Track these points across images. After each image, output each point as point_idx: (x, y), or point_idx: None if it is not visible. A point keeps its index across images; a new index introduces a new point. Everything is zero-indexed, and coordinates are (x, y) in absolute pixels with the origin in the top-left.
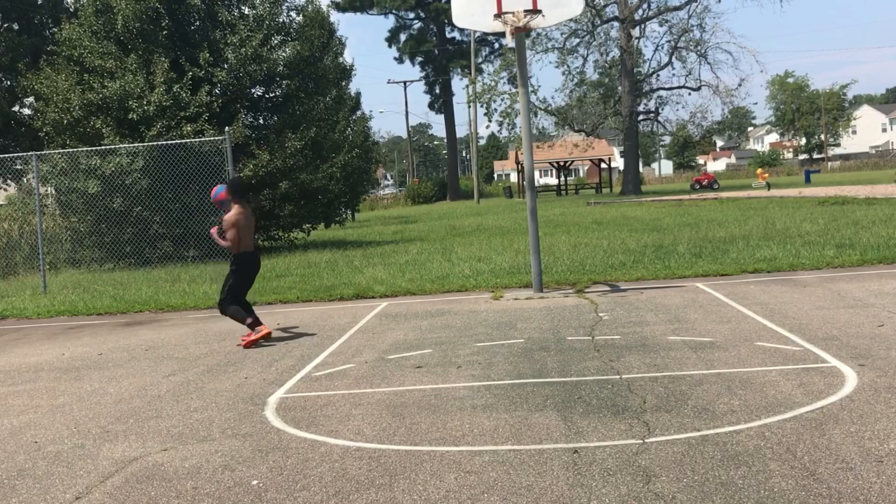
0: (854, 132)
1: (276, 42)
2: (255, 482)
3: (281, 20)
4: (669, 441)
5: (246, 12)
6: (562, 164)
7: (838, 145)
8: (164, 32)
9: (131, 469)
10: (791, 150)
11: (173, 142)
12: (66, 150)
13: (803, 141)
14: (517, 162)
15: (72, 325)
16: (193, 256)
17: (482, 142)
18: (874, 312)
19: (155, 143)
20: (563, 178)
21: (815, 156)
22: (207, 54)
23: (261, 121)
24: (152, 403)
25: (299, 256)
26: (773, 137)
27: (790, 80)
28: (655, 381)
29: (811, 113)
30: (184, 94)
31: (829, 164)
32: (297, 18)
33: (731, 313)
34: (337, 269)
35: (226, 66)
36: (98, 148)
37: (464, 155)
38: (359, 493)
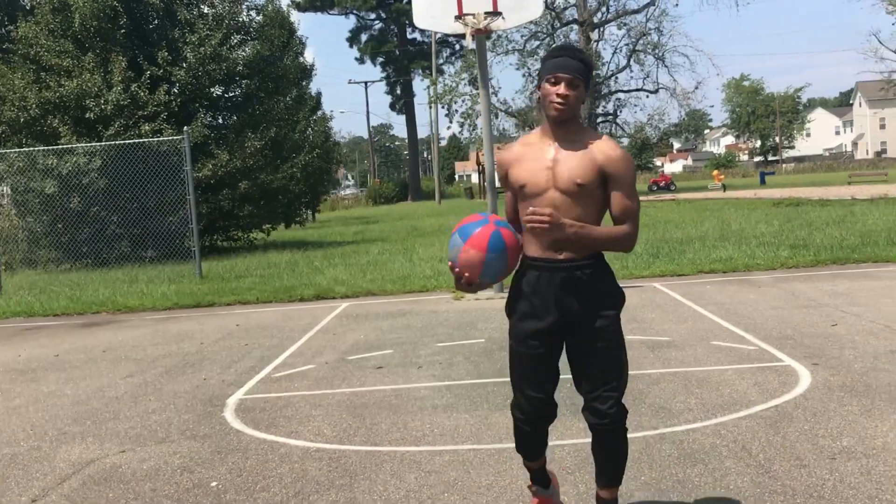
0: (808, 135)
1: (235, 41)
2: (214, 484)
3: (240, 19)
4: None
5: (205, 11)
6: None
7: (793, 147)
8: (122, 31)
9: (88, 471)
10: (746, 152)
11: (131, 141)
12: (22, 150)
13: (758, 143)
14: (478, 163)
15: (28, 327)
16: (151, 257)
17: (443, 143)
18: (827, 312)
19: (113, 143)
20: None
21: (770, 158)
22: (166, 53)
23: (220, 120)
24: (110, 405)
25: (259, 257)
26: (729, 140)
27: (746, 83)
28: None
29: (766, 116)
30: (142, 94)
31: (784, 166)
32: (257, 18)
33: (687, 313)
34: (297, 270)
35: (184, 65)
36: (55, 147)
37: (425, 156)
38: (318, 493)
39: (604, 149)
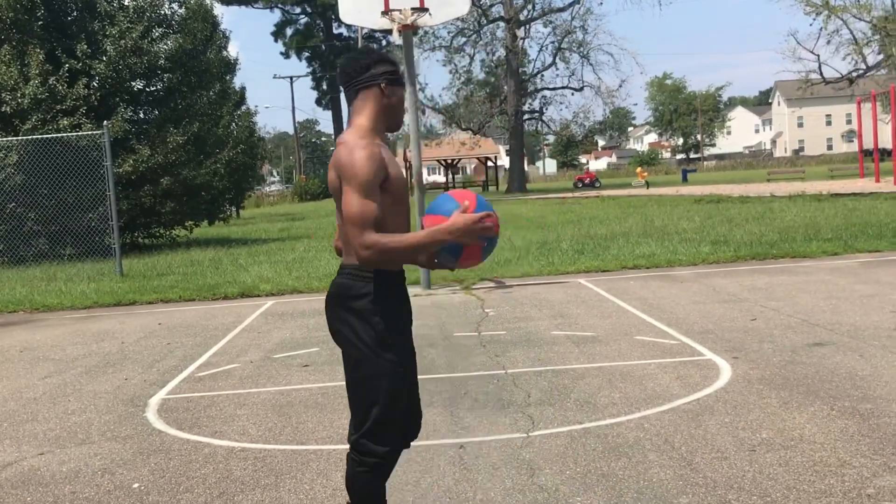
0: (729, 133)
1: (157, 34)
2: (136, 485)
3: (162, 12)
4: (553, 434)
5: (126, 3)
6: (449, 161)
7: (714, 145)
8: (40, 23)
9: (6, 474)
10: (669, 149)
11: (49, 136)
12: None
13: (681, 141)
14: (405, 159)
15: None
16: (70, 254)
17: None
18: (747, 307)
19: (30, 137)
20: (450, 176)
21: (692, 155)
22: (85, 46)
23: (141, 115)
24: (28, 406)
25: (182, 254)
26: (652, 137)
27: (668, 81)
28: (540, 375)
29: (688, 114)
30: (60, 87)
31: (705, 163)
32: (180, 11)
33: (611, 308)
34: (221, 268)
35: (104, 58)
36: None
37: None
38: (244, 493)
39: None
